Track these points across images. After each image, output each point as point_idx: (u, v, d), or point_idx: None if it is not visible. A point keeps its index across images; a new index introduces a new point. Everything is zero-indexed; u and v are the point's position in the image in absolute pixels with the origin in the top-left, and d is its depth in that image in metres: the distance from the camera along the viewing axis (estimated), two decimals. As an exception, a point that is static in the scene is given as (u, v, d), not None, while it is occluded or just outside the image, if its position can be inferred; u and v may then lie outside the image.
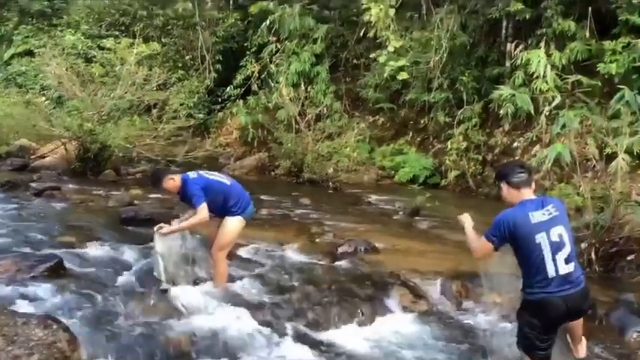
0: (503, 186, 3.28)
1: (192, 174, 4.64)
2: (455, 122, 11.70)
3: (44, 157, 11.57)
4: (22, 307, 3.82)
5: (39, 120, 10.99)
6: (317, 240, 6.63)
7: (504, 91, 10.41)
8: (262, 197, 8.88)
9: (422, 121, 13.03)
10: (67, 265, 4.85)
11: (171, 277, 4.69)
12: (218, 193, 4.56)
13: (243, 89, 15.05)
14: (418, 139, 13.17)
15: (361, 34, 13.71)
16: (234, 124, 15.38)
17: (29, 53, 17.23)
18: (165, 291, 4.42)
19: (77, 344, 3.39)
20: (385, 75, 12.37)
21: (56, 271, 4.65)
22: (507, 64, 11.31)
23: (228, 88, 15.25)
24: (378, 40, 12.75)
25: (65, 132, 10.39)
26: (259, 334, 4.08)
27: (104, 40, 12.76)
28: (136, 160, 11.82)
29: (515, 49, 10.80)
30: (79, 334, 3.50)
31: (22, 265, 4.59)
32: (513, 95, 10.24)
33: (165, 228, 4.56)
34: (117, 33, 15.95)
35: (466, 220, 3.49)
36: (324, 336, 4.20)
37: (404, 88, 13.01)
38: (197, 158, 11.77)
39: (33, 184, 8.59)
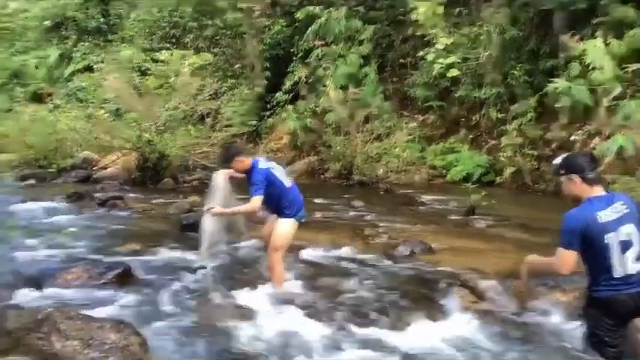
0: (576, 179, 3.07)
1: (262, 163, 4.72)
2: (509, 118, 11.43)
3: (106, 168, 12.09)
4: (95, 312, 4.01)
5: (100, 133, 11.49)
6: (372, 241, 6.63)
7: (560, 83, 10.10)
8: (314, 200, 8.95)
9: (473, 118, 12.79)
10: (134, 271, 5.06)
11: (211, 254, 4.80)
12: (275, 191, 4.65)
13: (291, 94, 15.21)
14: (470, 136, 12.94)
15: (408, 32, 13.60)
16: (284, 129, 15.56)
17: (88, 69, 18.03)
18: (201, 267, 4.53)
19: (147, 347, 3.53)
20: (434, 73, 12.23)
21: (124, 278, 4.87)
22: (561, 55, 10.95)
23: (278, 94, 15.44)
24: (425, 39, 12.62)
25: (125, 143, 10.82)
26: (319, 336, 4.11)
27: (157, 53, 13.19)
28: (192, 168, 12.18)
29: (569, 40, 10.45)
30: (148, 338, 3.65)
31: (93, 273, 4.84)
32: (569, 87, 9.92)
33: (216, 209, 4.64)
34: (168, 45, 16.45)
35: (528, 262, 3.50)
36: (383, 338, 4.18)
37: (453, 85, 12.81)
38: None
39: (97, 195, 8.99)
